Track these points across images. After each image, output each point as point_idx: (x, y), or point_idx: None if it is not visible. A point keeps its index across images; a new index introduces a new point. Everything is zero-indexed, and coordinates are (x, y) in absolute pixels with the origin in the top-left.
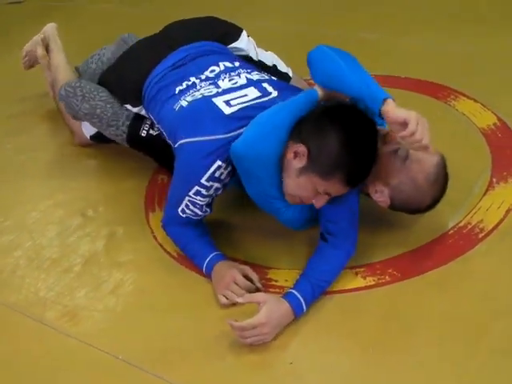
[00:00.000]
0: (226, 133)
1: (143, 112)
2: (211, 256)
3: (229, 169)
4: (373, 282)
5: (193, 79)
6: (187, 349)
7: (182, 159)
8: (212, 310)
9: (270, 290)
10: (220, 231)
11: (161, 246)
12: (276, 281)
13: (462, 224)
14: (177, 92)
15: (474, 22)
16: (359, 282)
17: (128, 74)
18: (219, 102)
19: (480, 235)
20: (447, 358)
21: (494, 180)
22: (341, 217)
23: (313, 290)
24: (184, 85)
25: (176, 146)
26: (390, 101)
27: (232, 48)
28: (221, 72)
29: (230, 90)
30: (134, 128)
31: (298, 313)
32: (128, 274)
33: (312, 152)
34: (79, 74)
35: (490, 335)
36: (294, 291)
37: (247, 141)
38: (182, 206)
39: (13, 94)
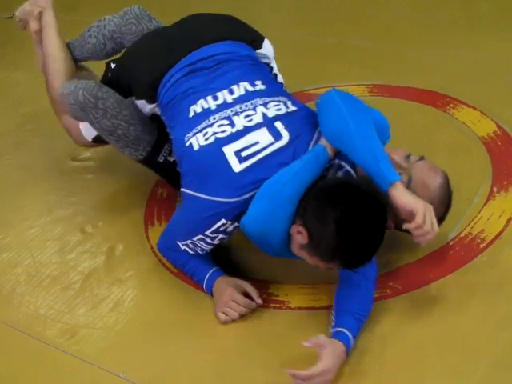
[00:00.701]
0: (234, 197)
1: (157, 110)
2: (210, 273)
3: (235, 224)
4: (376, 295)
5: (209, 100)
6: (189, 366)
7: (188, 209)
8: (214, 326)
9: (271, 304)
10: (220, 247)
11: (160, 261)
12: (277, 295)
13: (462, 235)
14: (191, 114)
15: (472, 30)
16: None
17: (144, 70)
18: (230, 152)
19: (481, 245)
20: (449, 371)
21: (495, 189)
22: None
23: (358, 326)
24: (199, 106)
25: (183, 189)
26: (398, 184)
27: (258, 54)
28: (238, 99)
29: (243, 133)
30: (153, 154)
31: (348, 352)
32: (128, 290)
33: (312, 237)
34: (71, 50)
35: (493, 347)
36: (344, 330)
37: (256, 218)
38: (183, 244)
39: (10, 110)
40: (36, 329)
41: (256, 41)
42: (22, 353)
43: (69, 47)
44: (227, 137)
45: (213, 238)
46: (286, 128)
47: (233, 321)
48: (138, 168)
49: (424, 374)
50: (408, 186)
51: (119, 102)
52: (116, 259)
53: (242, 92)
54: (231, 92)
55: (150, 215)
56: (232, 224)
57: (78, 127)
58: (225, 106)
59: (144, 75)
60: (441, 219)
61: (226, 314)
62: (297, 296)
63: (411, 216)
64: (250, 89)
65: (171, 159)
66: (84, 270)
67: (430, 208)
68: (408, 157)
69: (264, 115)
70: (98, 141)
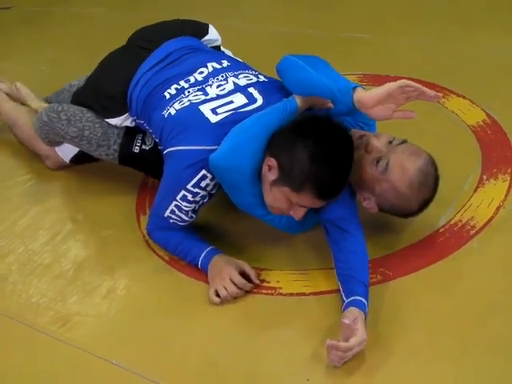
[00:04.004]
0: (212, 144)
1: (129, 121)
2: (208, 250)
3: (215, 181)
4: None
5: (182, 83)
6: (181, 353)
7: (170, 166)
8: (206, 312)
9: (263, 291)
10: (209, 233)
11: (152, 250)
12: (268, 282)
13: (452, 222)
14: (167, 97)
15: (461, 21)
16: None
17: (107, 84)
18: (206, 109)
19: (471, 232)
20: (437, 356)
21: (484, 177)
22: (342, 213)
23: (367, 290)
24: (173, 89)
25: (165, 152)
26: (359, 89)
27: (206, 41)
28: (209, 75)
29: (217, 97)
30: (126, 145)
31: (366, 317)
32: (120, 278)
33: (282, 165)
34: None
35: (482, 332)
36: (358, 298)
37: (223, 153)
38: (168, 211)
39: None
40: (28, 317)
41: (200, 29)
42: (14, 340)
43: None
44: (202, 100)
45: (194, 194)
46: (259, 93)
47: (222, 303)
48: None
49: (412, 359)
50: (386, 169)
51: (80, 109)
52: (108, 248)
53: (211, 69)
54: (201, 73)
55: (141, 204)
56: (213, 179)
57: (54, 152)
58: (197, 83)
59: (109, 88)
60: (426, 202)
61: (219, 296)
62: (288, 282)
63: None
64: (218, 66)
65: (147, 147)
66: (76, 259)
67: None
68: (391, 142)
69: (235, 84)
70: (75, 161)
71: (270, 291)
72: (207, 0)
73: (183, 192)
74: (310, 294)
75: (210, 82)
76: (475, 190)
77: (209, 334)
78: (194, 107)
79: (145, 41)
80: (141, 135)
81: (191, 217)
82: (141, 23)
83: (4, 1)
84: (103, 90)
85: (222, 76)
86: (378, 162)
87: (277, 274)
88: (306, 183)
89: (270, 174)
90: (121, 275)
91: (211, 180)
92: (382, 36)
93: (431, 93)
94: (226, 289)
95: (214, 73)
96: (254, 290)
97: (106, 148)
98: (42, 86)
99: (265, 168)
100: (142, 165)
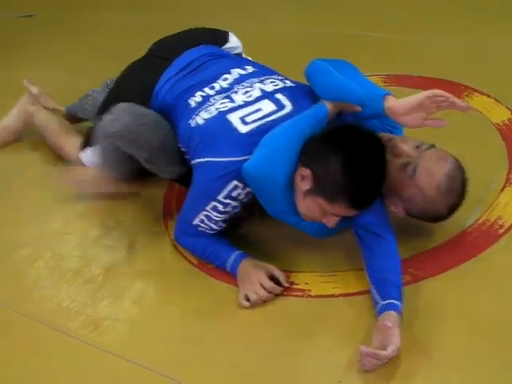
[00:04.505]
0: (243, 155)
1: None
2: (236, 254)
3: (247, 189)
4: None
5: (207, 90)
6: (210, 356)
7: (199, 177)
8: (235, 315)
9: (292, 293)
10: (238, 236)
11: (181, 253)
12: (297, 284)
13: (480, 221)
14: (192, 105)
15: (483, 18)
16: None
17: (129, 96)
18: (235, 118)
19: (499, 231)
20: (475, 356)
21: (511, 176)
22: (374, 219)
23: (400, 293)
24: (198, 96)
25: (193, 162)
26: (389, 97)
27: (226, 49)
28: (234, 82)
29: (244, 105)
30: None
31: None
32: (149, 282)
33: (316, 176)
34: (69, 115)
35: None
36: (393, 301)
37: (257, 162)
38: (197, 220)
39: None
40: (59, 321)
41: (219, 37)
42: (45, 345)
43: (70, 111)
44: (229, 108)
45: (225, 205)
46: (288, 98)
47: (252, 307)
48: None
49: (449, 361)
50: (414, 173)
51: (157, 116)
52: (137, 252)
53: (236, 76)
54: (225, 79)
55: (168, 208)
56: (244, 188)
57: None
58: (222, 90)
59: (131, 99)
60: (455, 207)
61: (249, 299)
62: (317, 284)
63: (416, 111)
64: (243, 72)
65: None
66: (105, 264)
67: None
68: (418, 146)
69: (262, 90)
70: None
71: (299, 293)
72: (218, 4)
73: (214, 203)
74: (339, 295)
75: (236, 89)
76: (502, 189)
77: (238, 337)
78: (221, 116)
79: (165, 50)
80: None
81: (220, 226)
82: (158, 28)
83: (26, 9)
84: (129, 100)
85: (248, 82)
86: (405, 166)
87: (305, 276)
88: (340, 194)
89: (303, 184)
90: (150, 279)
91: (242, 189)
92: (401, 35)
93: (462, 103)
94: (255, 293)
95: (240, 79)
96: (284, 293)
97: (175, 166)
98: (61, 93)
99: (297, 178)
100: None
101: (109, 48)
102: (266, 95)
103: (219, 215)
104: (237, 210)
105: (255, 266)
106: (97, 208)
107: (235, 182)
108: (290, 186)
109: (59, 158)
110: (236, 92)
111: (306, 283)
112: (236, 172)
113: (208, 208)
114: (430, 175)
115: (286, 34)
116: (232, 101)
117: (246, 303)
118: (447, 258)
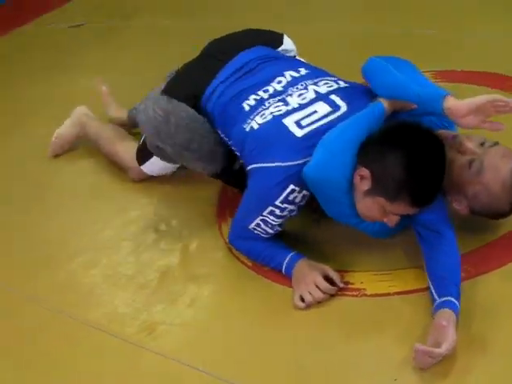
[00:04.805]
0: (300, 159)
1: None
2: (291, 255)
3: (303, 192)
4: None
5: (261, 93)
6: (268, 358)
7: (255, 183)
8: (291, 316)
9: (347, 292)
10: (291, 238)
11: (235, 256)
12: (352, 283)
13: None
14: (246, 108)
15: None
16: None
17: (180, 94)
18: (290, 122)
19: None
20: None
21: None
22: (435, 217)
23: (458, 290)
24: (252, 100)
25: (249, 168)
26: (449, 97)
27: (283, 51)
28: (288, 85)
29: (299, 108)
30: (230, 163)
31: (457, 317)
32: (204, 286)
33: (376, 175)
34: (130, 119)
35: None
36: (450, 298)
37: (317, 165)
38: (254, 224)
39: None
40: (115, 327)
41: (274, 39)
42: (102, 351)
43: (131, 115)
44: (284, 112)
45: (282, 210)
46: (343, 99)
47: (308, 308)
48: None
49: (500, 356)
50: (480, 170)
51: (190, 115)
52: (190, 256)
53: (289, 79)
54: (279, 82)
55: (222, 211)
56: (300, 191)
57: (135, 163)
58: (276, 93)
59: (181, 95)
60: None
61: (304, 300)
62: (372, 283)
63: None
64: (296, 75)
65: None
66: (159, 268)
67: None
68: (482, 144)
69: (317, 92)
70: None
71: (354, 293)
72: (272, 5)
73: (271, 208)
74: (394, 293)
75: (290, 92)
76: None
77: (295, 338)
78: (277, 121)
79: (219, 52)
80: None
81: (276, 230)
82: (209, 32)
83: (76, 19)
84: (181, 99)
85: (302, 85)
86: (471, 163)
87: (360, 275)
88: (401, 193)
89: (362, 184)
90: (204, 282)
91: (299, 192)
92: (452, 31)
93: None
94: (310, 294)
95: (293, 82)
96: (339, 293)
97: (207, 164)
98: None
99: (356, 178)
100: (234, 180)
101: (159, 54)
102: (320, 97)
103: (276, 219)
104: (293, 214)
105: (310, 266)
106: (149, 214)
107: (292, 187)
108: (352, 187)
109: (114, 165)
110: (290, 95)
111: (361, 282)
112: (293, 176)
113: (265, 213)
114: (496, 172)
115: (341, 34)
116: (286, 104)
117: (301, 304)
118: (502, 253)
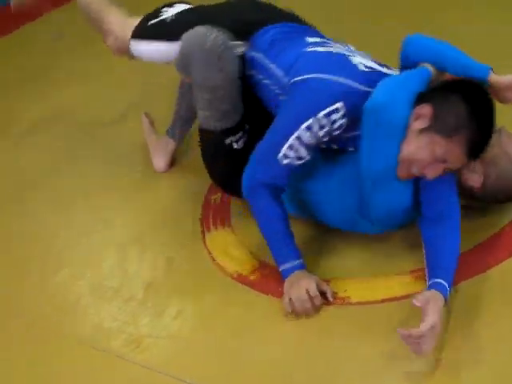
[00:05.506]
0: (362, 84)
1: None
2: (299, 262)
3: (345, 119)
4: None
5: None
6: (255, 369)
7: (304, 91)
8: (278, 327)
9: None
10: None
11: (219, 267)
12: (336, 292)
13: None
14: (309, 41)
15: None
16: (420, 285)
17: (246, 14)
18: (356, 60)
19: None
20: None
21: None
22: (442, 194)
23: (452, 274)
24: (314, 38)
25: (298, 79)
26: (492, 72)
27: None
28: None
29: (364, 56)
30: (226, 133)
31: (447, 300)
32: (189, 298)
33: (437, 111)
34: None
35: None
36: (440, 281)
37: (384, 92)
38: (287, 145)
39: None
40: (101, 340)
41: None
42: (89, 365)
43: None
44: (350, 53)
45: (320, 128)
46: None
47: (295, 314)
48: (190, 178)
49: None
50: (499, 134)
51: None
52: (175, 268)
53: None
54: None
55: (205, 222)
56: (343, 118)
57: (124, 31)
58: (338, 45)
59: (249, 16)
60: None
61: (292, 302)
62: (356, 291)
63: None
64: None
65: (237, 147)
66: (144, 281)
67: None
68: None
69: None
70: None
71: (338, 302)
72: None
73: (311, 121)
74: (380, 300)
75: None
76: None
77: (283, 349)
78: (343, 55)
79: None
80: (242, 135)
81: (308, 154)
82: None
83: (59, 28)
84: (241, 16)
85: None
86: None
87: (344, 283)
88: (461, 129)
89: (418, 123)
90: (189, 294)
91: (342, 117)
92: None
93: None
94: (299, 298)
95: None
96: (324, 302)
97: (214, 118)
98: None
99: (414, 116)
100: (219, 158)
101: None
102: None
103: (310, 139)
104: (324, 139)
105: (309, 275)
106: (134, 225)
107: (341, 104)
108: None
109: (94, 27)
110: (344, 46)
111: (345, 290)
112: (347, 97)
113: (303, 126)
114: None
115: None
116: (351, 52)
117: (288, 306)
118: (488, 257)
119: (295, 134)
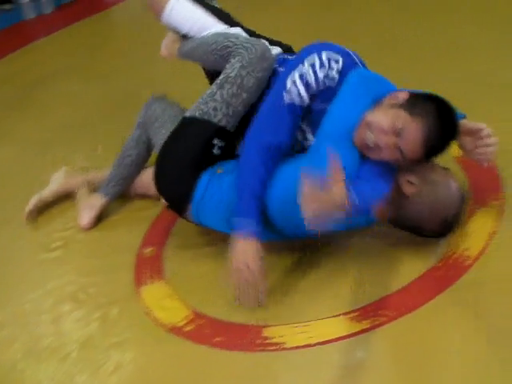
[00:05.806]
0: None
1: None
2: (256, 223)
3: (337, 76)
4: (368, 325)
5: None
6: None
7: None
8: (214, 377)
9: (267, 348)
10: (212, 293)
11: (156, 320)
12: (272, 338)
13: (448, 254)
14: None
15: None
16: (355, 326)
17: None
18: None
19: (467, 263)
20: None
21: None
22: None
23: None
24: None
25: None
26: (464, 119)
27: None
28: None
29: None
30: (221, 133)
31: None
32: (126, 353)
33: (411, 98)
34: None
35: (486, 361)
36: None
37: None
38: (290, 81)
39: None
40: None
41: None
42: None
43: None
44: None
45: (321, 66)
46: None
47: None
48: (123, 232)
49: None
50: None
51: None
52: (111, 323)
53: None
54: None
55: (140, 275)
56: (337, 73)
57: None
58: None
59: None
60: (455, 216)
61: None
62: (291, 336)
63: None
64: None
65: (215, 151)
66: (80, 338)
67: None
68: None
69: None
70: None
71: (274, 347)
72: None
73: (315, 56)
74: (315, 344)
75: None
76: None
77: None
78: None
79: None
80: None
81: (308, 97)
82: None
83: None
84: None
85: None
86: None
87: (279, 329)
88: (425, 117)
89: (392, 99)
90: (125, 349)
91: (337, 72)
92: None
93: None
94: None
95: None
96: (259, 348)
97: (227, 108)
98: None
99: (388, 96)
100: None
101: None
102: None
103: (312, 75)
104: (318, 87)
105: (258, 253)
106: (67, 284)
107: (341, 59)
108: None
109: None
110: None
111: (281, 336)
112: (348, 59)
113: (306, 63)
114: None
115: None
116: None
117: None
118: (418, 296)
119: (298, 70)
